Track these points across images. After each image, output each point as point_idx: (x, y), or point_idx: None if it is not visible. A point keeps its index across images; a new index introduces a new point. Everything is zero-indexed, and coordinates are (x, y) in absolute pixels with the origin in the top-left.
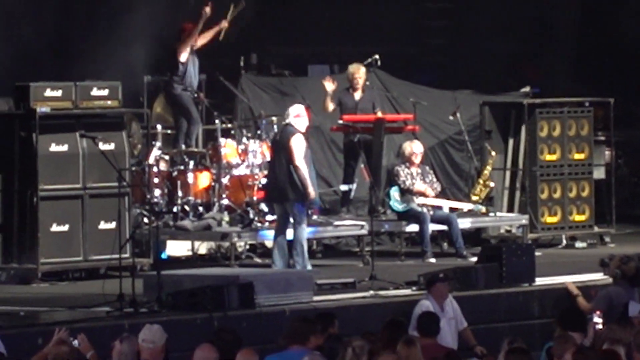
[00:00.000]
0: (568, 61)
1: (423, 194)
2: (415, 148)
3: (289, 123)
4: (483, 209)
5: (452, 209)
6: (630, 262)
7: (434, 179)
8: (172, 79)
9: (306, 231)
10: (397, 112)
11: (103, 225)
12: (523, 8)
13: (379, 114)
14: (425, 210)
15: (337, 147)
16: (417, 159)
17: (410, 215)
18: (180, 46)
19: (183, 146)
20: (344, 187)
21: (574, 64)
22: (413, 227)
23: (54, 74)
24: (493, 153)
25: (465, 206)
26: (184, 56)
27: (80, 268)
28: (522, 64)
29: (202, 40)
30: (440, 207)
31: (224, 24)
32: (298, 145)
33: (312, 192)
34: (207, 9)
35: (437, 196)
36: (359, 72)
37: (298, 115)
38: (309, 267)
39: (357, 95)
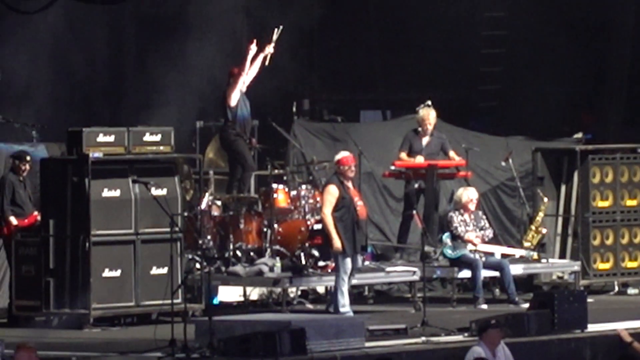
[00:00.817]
0: (620, 107)
1: (472, 243)
2: (470, 195)
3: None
4: (535, 255)
5: (504, 255)
6: None
7: (487, 225)
8: (226, 124)
9: (342, 280)
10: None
11: (155, 271)
12: (576, 55)
13: (452, 154)
14: (477, 256)
15: (389, 193)
16: (472, 206)
17: (462, 262)
18: (229, 90)
19: (235, 192)
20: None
21: (626, 110)
22: (465, 274)
23: (106, 119)
24: (545, 199)
25: (517, 252)
26: (233, 100)
27: (132, 313)
28: (577, 110)
29: (252, 73)
30: (492, 254)
31: (269, 49)
32: (325, 195)
33: (336, 243)
34: (253, 46)
35: (489, 242)
36: (429, 117)
37: (337, 163)
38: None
39: (425, 140)
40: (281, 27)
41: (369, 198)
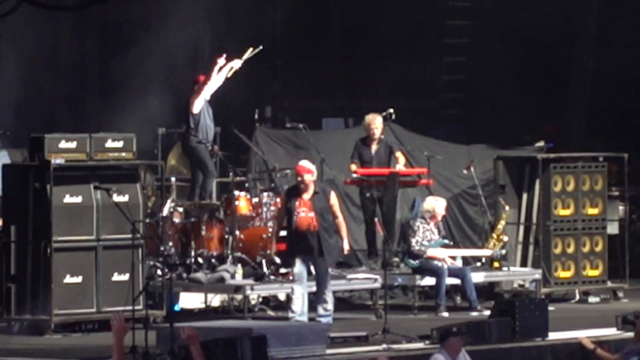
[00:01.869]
0: (583, 118)
1: (437, 259)
2: (442, 208)
3: None
4: (503, 251)
5: (466, 261)
6: None
7: (443, 234)
8: (188, 131)
9: (292, 287)
10: (412, 166)
11: (116, 277)
12: (538, 64)
13: (398, 155)
14: (442, 264)
15: (350, 201)
16: (439, 217)
17: (427, 269)
18: (193, 97)
19: (197, 198)
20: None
21: (588, 121)
22: (427, 281)
23: (69, 125)
24: (507, 207)
25: (485, 252)
26: (196, 107)
27: (94, 319)
28: (539, 119)
29: (216, 83)
30: (454, 260)
31: (237, 64)
32: None
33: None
34: (221, 59)
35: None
36: (374, 122)
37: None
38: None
39: (374, 148)
40: (260, 47)
41: None
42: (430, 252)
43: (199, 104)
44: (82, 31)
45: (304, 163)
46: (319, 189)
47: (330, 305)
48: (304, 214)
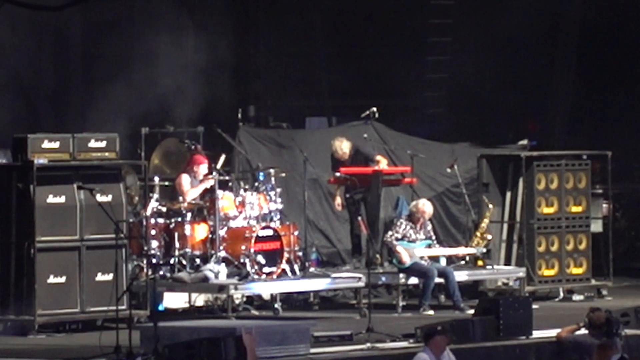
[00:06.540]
0: (565, 117)
1: (401, 258)
2: (429, 210)
3: None
4: (484, 250)
5: (450, 259)
6: (597, 312)
7: (432, 234)
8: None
9: None
10: (395, 165)
11: (100, 277)
12: (521, 63)
13: (379, 159)
14: (432, 266)
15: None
16: (423, 218)
17: (415, 270)
18: (185, 183)
19: (181, 198)
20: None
21: (571, 118)
22: (411, 280)
23: (52, 125)
24: (490, 206)
25: (467, 250)
26: (190, 195)
27: (77, 320)
28: (523, 118)
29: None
30: (437, 260)
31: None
32: None
33: None
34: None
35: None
36: (339, 148)
37: None
38: None
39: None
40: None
41: (315, 204)
42: (399, 249)
43: (193, 193)
44: (65, 31)
45: None
46: None
47: None
48: None
